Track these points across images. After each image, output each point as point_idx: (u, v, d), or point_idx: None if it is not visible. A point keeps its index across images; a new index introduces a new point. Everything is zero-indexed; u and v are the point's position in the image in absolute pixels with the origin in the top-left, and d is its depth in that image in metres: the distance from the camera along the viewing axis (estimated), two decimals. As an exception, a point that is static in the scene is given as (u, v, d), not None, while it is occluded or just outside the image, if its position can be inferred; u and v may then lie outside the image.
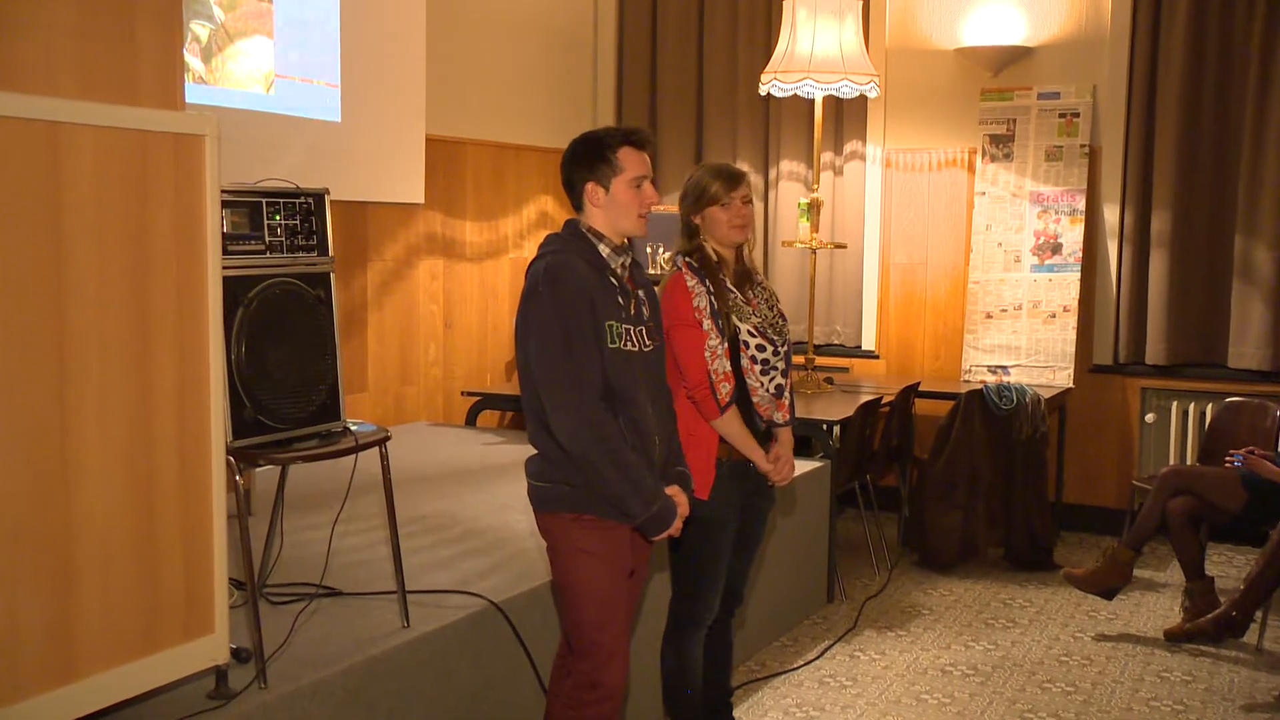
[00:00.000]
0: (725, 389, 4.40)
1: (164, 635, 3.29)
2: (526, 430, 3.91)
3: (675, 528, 3.88)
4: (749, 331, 4.46)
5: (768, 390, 4.51)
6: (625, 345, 3.82)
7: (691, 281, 4.44)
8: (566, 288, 3.74)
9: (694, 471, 4.35)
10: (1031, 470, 7.51)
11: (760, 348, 4.47)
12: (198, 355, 3.33)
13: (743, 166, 4.73)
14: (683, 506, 3.94)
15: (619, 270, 3.90)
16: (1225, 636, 6.17)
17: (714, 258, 4.52)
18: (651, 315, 4.01)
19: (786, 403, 4.60)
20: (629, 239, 3.96)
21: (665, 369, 4.07)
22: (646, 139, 3.93)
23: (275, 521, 4.46)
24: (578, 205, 3.94)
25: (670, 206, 8.87)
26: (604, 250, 3.88)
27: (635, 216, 3.90)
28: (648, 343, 3.93)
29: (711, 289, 4.43)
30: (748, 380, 4.48)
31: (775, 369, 4.51)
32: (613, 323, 3.79)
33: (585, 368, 3.72)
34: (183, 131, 3.23)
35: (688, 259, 4.51)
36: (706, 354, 4.39)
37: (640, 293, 3.98)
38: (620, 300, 3.85)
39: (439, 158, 7.99)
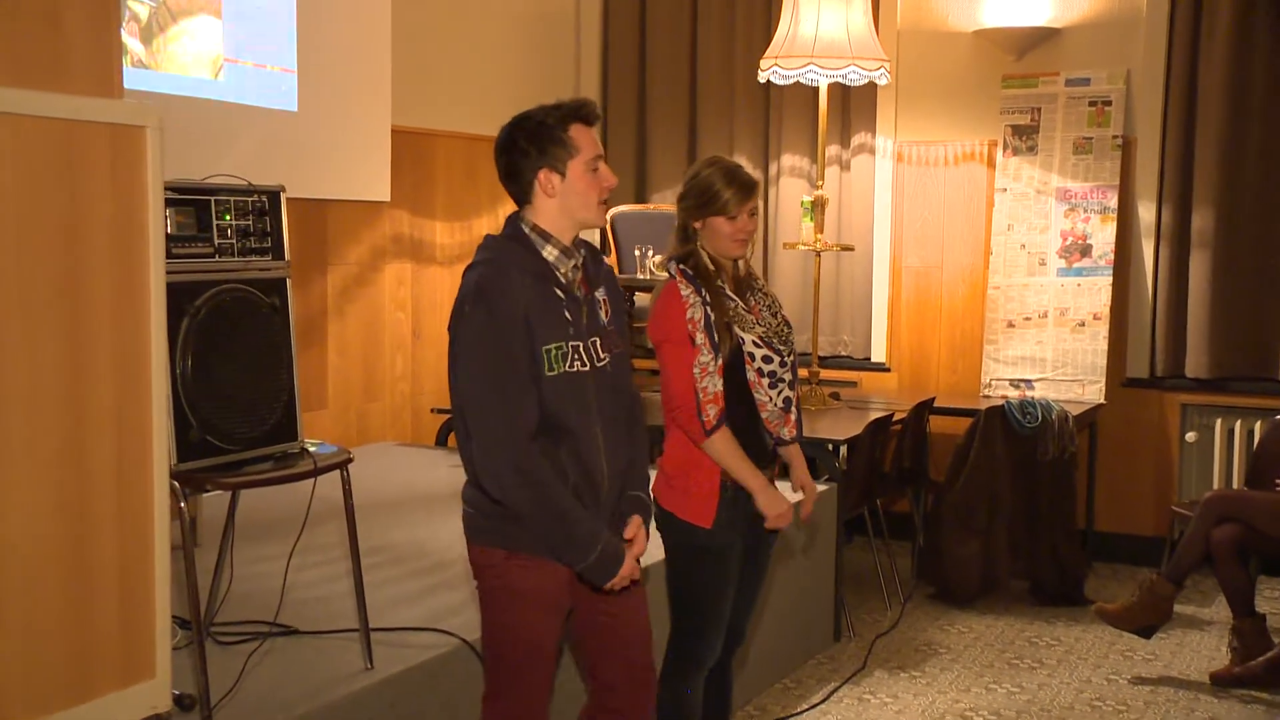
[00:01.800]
0: (712, 411, 4.37)
1: (97, 681, 3.25)
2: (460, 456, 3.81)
3: (625, 573, 3.75)
4: (754, 342, 4.45)
5: (776, 405, 4.50)
6: (572, 366, 3.70)
7: (686, 291, 4.42)
8: (497, 311, 3.61)
9: (696, 497, 4.34)
10: (1059, 495, 7.50)
11: (767, 359, 4.46)
12: (138, 369, 3.29)
13: (740, 161, 4.68)
14: (637, 543, 3.83)
15: (568, 274, 3.77)
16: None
17: (710, 265, 4.49)
18: (613, 317, 3.91)
19: (794, 417, 4.59)
20: (613, 238, 3.91)
21: (628, 378, 3.99)
22: (596, 113, 3.81)
23: (224, 553, 4.45)
24: (523, 199, 3.79)
25: (665, 205, 8.94)
26: (549, 254, 3.75)
27: (595, 203, 3.78)
28: (602, 355, 3.81)
29: (708, 298, 4.41)
30: (755, 395, 4.48)
31: (782, 381, 4.50)
32: (553, 346, 3.66)
33: (514, 404, 3.60)
34: (120, 122, 3.20)
35: (682, 265, 4.49)
36: (695, 371, 4.37)
37: (598, 294, 3.87)
38: (568, 314, 3.73)
39: (406, 151, 7.99)
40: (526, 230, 3.76)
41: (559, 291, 3.72)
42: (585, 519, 3.68)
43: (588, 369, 3.74)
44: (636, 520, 3.86)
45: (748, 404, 4.48)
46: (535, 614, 3.77)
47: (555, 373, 3.66)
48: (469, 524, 3.82)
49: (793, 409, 4.58)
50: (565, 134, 3.73)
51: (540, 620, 3.79)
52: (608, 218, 8.48)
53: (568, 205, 3.75)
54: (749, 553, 4.61)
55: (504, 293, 3.62)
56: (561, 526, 3.64)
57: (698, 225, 4.51)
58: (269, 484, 4.09)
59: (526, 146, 3.75)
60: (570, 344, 3.70)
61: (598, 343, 3.79)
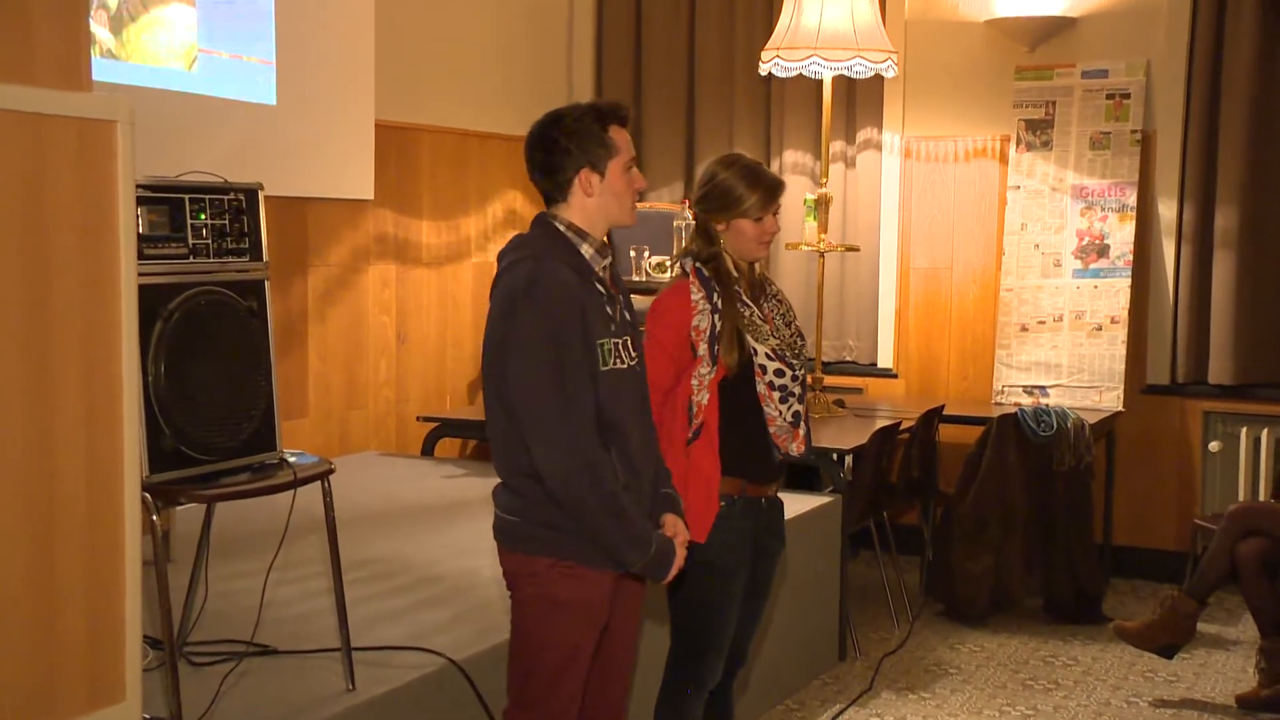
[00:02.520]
0: (697, 423, 4.40)
1: (64, 704, 3.24)
2: (494, 462, 3.85)
3: (680, 559, 3.89)
4: (767, 354, 4.46)
5: (785, 419, 4.51)
6: (619, 363, 3.80)
7: (697, 295, 4.43)
8: (553, 304, 3.67)
9: (691, 511, 4.34)
10: (1075, 507, 7.50)
11: (779, 372, 4.48)
12: (108, 376, 3.28)
13: (752, 158, 4.70)
14: (681, 535, 3.94)
15: (603, 273, 3.86)
16: None
17: (732, 270, 4.51)
18: (633, 323, 3.98)
19: (802, 432, 4.60)
20: (608, 236, 3.92)
21: (647, 383, 4.05)
22: (629, 116, 3.91)
23: (199, 569, 4.44)
24: (558, 197, 3.85)
25: (661, 204, 8.93)
26: (587, 252, 3.82)
27: (630, 204, 3.88)
28: (633, 354, 3.90)
29: (719, 305, 4.41)
30: (765, 409, 4.50)
31: (793, 395, 4.53)
32: (605, 341, 3.75)
33: (579, 398, 3.67)
34: (89, 116, 3.19)
35: (699, 265, 4.49)
36: (694, 381, 4.40)
37: (622, 297, 3.95)
38: (609, 310, 3.82)
39: (390, 147, 7.98)
40: (562, 228, 3.84)
41: (599, 287, 3.82)
42: (640, 516, 3.80)
43: (625, 368, 3.83)
44: (672, 519, 3.97)
45: (756, 418, 4.48)
46: (575, 625, 3.82)
47: (609, 368, 3.75)
48: (506, 530, 3.85)
49: (802, 423, 4.59)
50: (607, 134, 3.82)
51: (579, 632, 3.83)
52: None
53: (605, 205, 3.84)
54: (751, 569, 4.61)
55: (560, 285, 3.71)
56: (621, 525, 3.73)
57: (721, 227, 4.51)
58: (246, 496, 4.08)
59: (567, 145, 3.82)
60: (614, 340, 3.80)
61: (628, 343, 3.88)
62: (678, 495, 4.07)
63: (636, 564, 3.78)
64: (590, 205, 3.82)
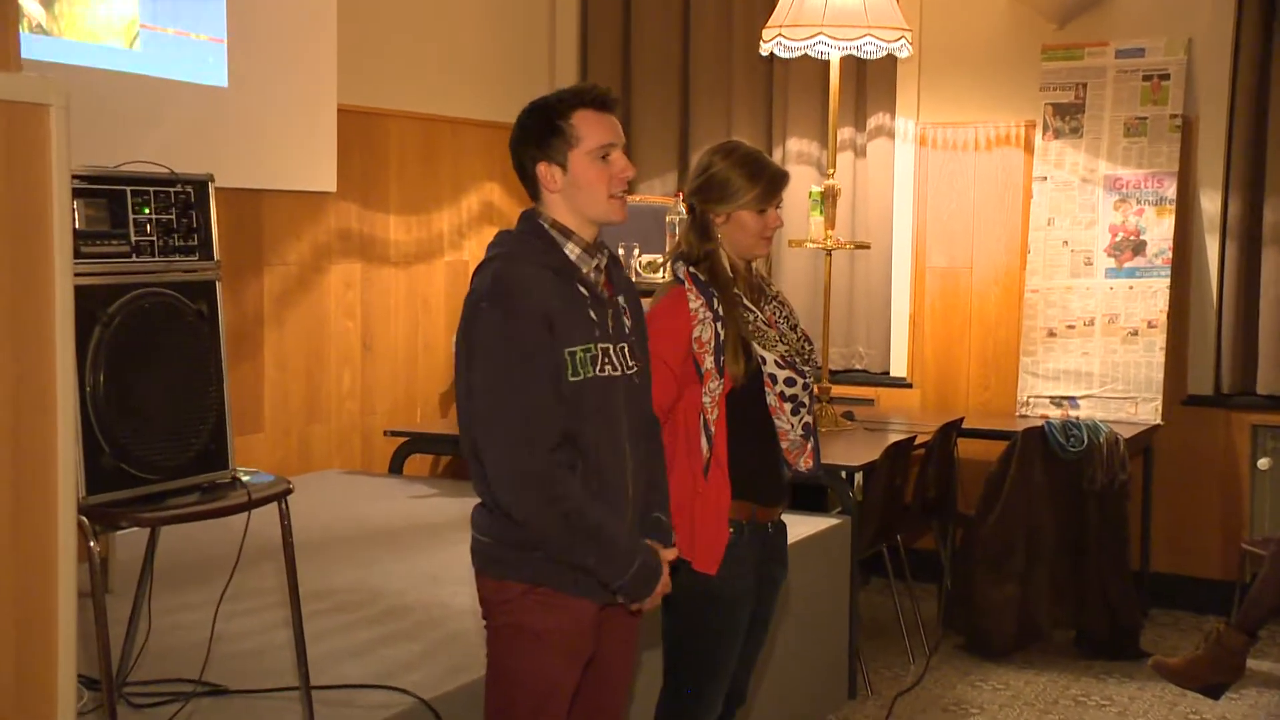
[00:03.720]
0: (708, 448, 4.40)
1: (-7, 750, 3.22)
2: (471, 478, 3.85)
3: (664, 584, 3.87)
4: (776, 362, 4.47)
5: (797, 432, 4.52)
6: (602, 370, 3.79)
7: (696, 303, 4.42)
8: (518, 307, 3.69)
9: (703, 541, 4.35)
10: (1109, 531, 7.49)
11: (790, 381, 4.48)
12: (39, 387, 3.26)
13: (753, 145, 4.69)
14: (665, 562, 3.93)
15: (591, 274, 3.85)
16: None
17: (729, 270, 4.49)
18: (634, 328, 3.98)
19: (812, 445, 4.61)
20: (599, 233, 3.91)
21: (650, 394, 4.04)
22: (608, 98, 3.88)
23: (141, 600, 4.42)
24: (534, 194, 3.89)
25: (653, 197, 8.92)
26: (571, 251, 3.82)
27: (605, 197, 3.84)
28: (631, 363, 3.90)
29: (721, 311, 4.39)
30: (776, 422, 4.51)
31: (804, 406, 4.54)
32: (578, 349, 3.74)
33: (535, 411, 3.67)
34: (17, 99, 3.17)
35: (692, 268, 4.47)
36: (706, 399, 4.39)
37: (621, 299, 3.94)
38: (593, 314, 3.81)
39: (355, 134, 7.98)
40: (545, 225, 3.85)
41: (583, 289, 3.81)
42: (621, 532, 3.80)
43: (619, 374, 3.84)
44: (658, 545, 3.94)
45: (766, 432, 4.48)
46: (553, 658, 3.81)
47: (580, 378, 3.74)
48: (481, 554, 3.86)
49: (811, 436, 4.59)
50: (565, 122, 3.81)
51: (558, 665, 3.83)
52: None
53: (573, 201, 3.83)
54: (756, 596, 4.62)
55: (524, 288, 3.72)
56: (596, 542, 3.72)
57: (719, 220, 4.49)
58: (195, 519, 4.08)
59: (527, 137, 3.85)
60: (600, 346, 3.80)
61: (625, 349, 3.88)
62: (669, 523, 4.04)
63: (616, 580, 3.77)
64: (559, 202, 3.83)
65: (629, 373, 3.87)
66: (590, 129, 3.82)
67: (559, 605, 3.78)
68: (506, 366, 3.67)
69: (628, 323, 3.94)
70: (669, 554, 3.93)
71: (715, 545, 4.42)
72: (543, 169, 3.82)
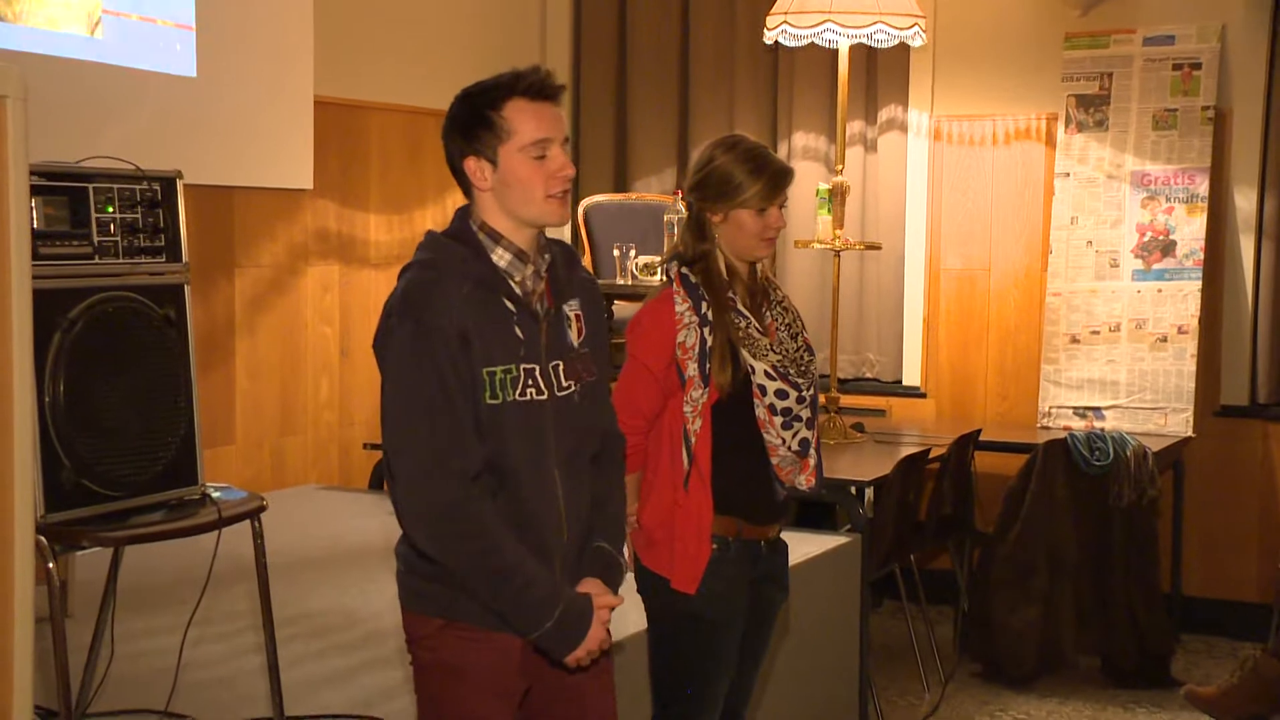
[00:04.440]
0: (688, 459, 4.39)
1: (-57, 786, 3.21)
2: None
3: (593, 642, 3.68)
4: (766, 373, 4.44)
5: (790, 448, 4.49)
6: (524, 394, 3.65)
7: (682, 307, 4.40)
8: (429, 322, 3.56)
9: (682, 557, 4.32)
10: (1137, 550, 7.48)
11: (781, 393, 4.45)
12: (-5, 397, 3.26)
13: (756, 140, 4.67)
14: (601, 609, 3.73)
15: (525, 283, 3.72)
16: None
17: (724, 273, 4.48)
18: (587, 337, 3.84)
19: (812, 462, 4.58)
20: (586, 236, 3.87)
21: (603, 413, 3.91)
22: (548, 85, 3.71)
23: (103, 625, 4.42)
24: (465, 191, 3.76)
25: (649, 195, 8.92)
26: (500, 257, 3.70)
27: (540, 199, 3.68)
28: (565, 383, 3.75)
29: (710, 316, 4.39)
30: (765, 436, 4.48)
31: (799, 420, 4.50)
32: (497, 369, 3.62)
33: (445, 436, 3.55)
34: (-27, 89, 3.17)
35: (684, 270, 4.47)
36: (687, 408, 4.39)
37: (568, 308, 3.81)
38: (519, 331, 3.67)
39: (333, 127, 7.99)
40: (474, 228, 3.72)
41: (509, 303, 3.67)
42: (540, 575, 3.62)
43: (545, 398, 3.69)
44: (595, 583, 3.77)
45: (755, 447, 4.47)
46: (476, 697, 3.71)
47: (498, 401, 3.61)
48: (402, 586, 3.79)
49: (811, 452, 4.57)
50: (495, 113, 3.67)
51: (481, 705, 3.72)
52: (580, 211, 8.48)
53: (505, 201, 3.69)
54: (750, 619, 4.60)
55: (436, 302, 3.58)
56: (508, 585, 3.58)
57: (717, 219, 4.49)
58: (161, 539, 4.08)
59: (452, 127, 3.73)
60: (522, 367, 3.65)
61: (560, 368, 3.73)
62: (617, 554, 3.89)
63: (530, 632, 3.62)
64: (489, 202, 3.70)
65: (562, 393, 3.72)
66: (524, 122, 3.67)
67: (480, 641, 3.67)
68: (415, 387, 3.55)
69: (573, 334, 3.80)
70: (607, 600, 3.74)
71: (694, 562, 4.40)
72: (471, 165, 3.68)
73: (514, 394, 3.62)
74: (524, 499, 3.65)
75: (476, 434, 3.58)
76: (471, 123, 3.68)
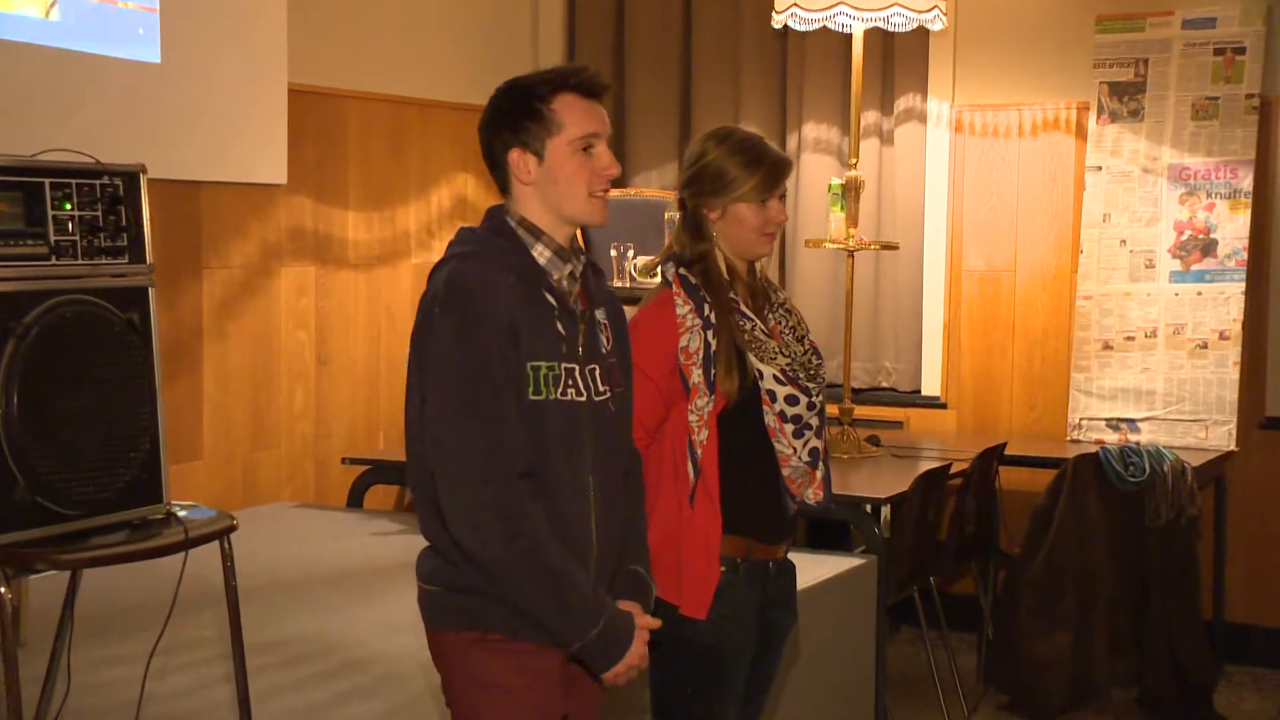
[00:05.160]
0: (694, 473, 4.38)
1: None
2: (417, 515, 3.81)
3: (633, 658, 3.78)
4: (775, 377, 4.45)
5: (801, 459, 4.49)
6: (565, 393, 3.73)
7: (684, 309, 4.41)
8: (477, 312, 3.65)
9: (690, 581, 4.32)
10: (1175, 573, 7.48)
11: (791, 399, 4.45)
12: (-56, 408, 3.26)
13: (751, 130, 4.68)
14: (642, 628, 3.82)
15: (563, 282, 3.82)
16: None
17: (724, 272, 4.48)
18: (615, 346, 3.94)
19: (820, 474, 4.59)
20: (582, 234, 3.89)
21: (630, 427, 4.01)
22: (597, 84, 3.85)
23: (59, 653, 4.41)
24: (503, 187, 3.86)
25: (649, 191, 8.92)
26: (540, 254, 3.80)
27: (584, 195, 3.80)
28: (602, 388, 3.84)
29: (713, 319, 4.39)
30: (776, 446, 4.48)
31: (809, 428, 4.50)
32: (542, 364, 3.70)
33: (497, 430, 3.62)
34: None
35: (682, 270, 4.46)
36: (692, 418, 4.38)
37: (599, 314, 3.90)
38: (561, 328, 3.76)
39: (309, 118, 8.00)
40: (513, 224, 3.82)
41: (551, 298, 3.76)
42: (586, 583, 3.70)
43: (584, 400, 3.77)
44: (633, 606, 3.85)
45: (764, 458, 4.47)
46: (514, 711, 3.76)
47: (541, 398, 3.69)
48: (429, 604, 3.83)
49: (820, 463, 4.57)
50: (545, 106, 3.77)
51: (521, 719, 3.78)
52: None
53: (548, 196, 3.80)
54: (758, 646, 4.60)
55: (485, 291, 3.67)
56: (555, 590, 3.64)
57: (714, 215, 4.49)
58: (123, 561, 4.07)
59: (500, 120, 3.82)
60: (564, 365, 3.74)
61: (596, 372, 3.82)
62: (649, 578, 4.00)
63: (574, 641, 3.69)
64: (532, 197, 3.80)
65: (599, 399, 3.81)
66: (574, 116, 3.78)
67: (518, 654, 3.72)
68: (463, 380, 3.62)
69: (605, 341, 3.90)
70: (647, 622, 3.84)
71: (704, 586, 4.41)
72: (515, 157, 3.78)
73: (555, 392, 3.71)
74: (560, 506, 3.72)
75: (523, 431, 3.66)
76: (519, 114, 3.79)
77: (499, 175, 3.85)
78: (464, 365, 3.63)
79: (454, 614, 3.76)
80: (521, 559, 3.61)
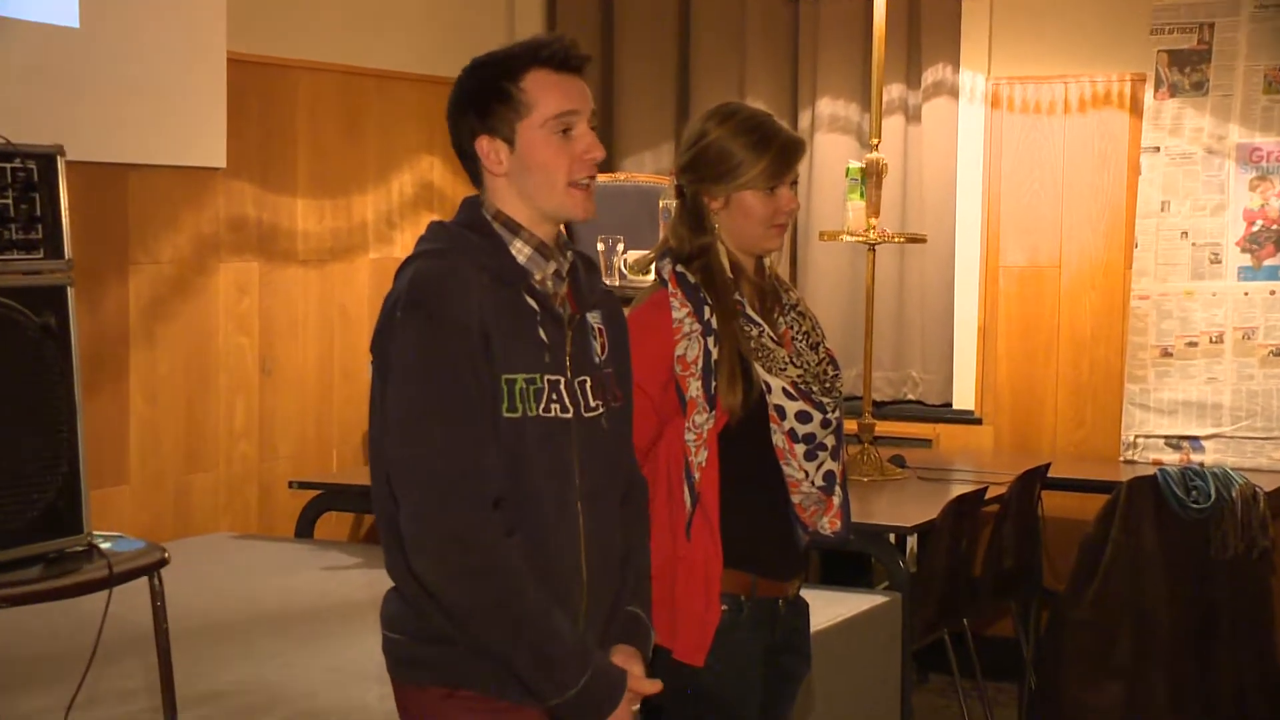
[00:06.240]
0: (691, 499, 4.38)
1: None
2: (383, 548, 3.78)
3: (625, 712, 3.73)
4: (785, 391, 4.45)
5: (814, 482, 4.49)
6: (548, 409, 3.70)
7: (681, 313, 4.42)
8: (444, 315, 3.61)
9: (686, 622, 4.32)
10: (1246, 612, 7.49)
11: (803, 416, 4.46)
12: None
13: (758, 108, 4.68)
14: (636, 680, 3.78)
15: (547, 283, 3.79)
16: None
17: (728, 270, 4.47)
18: (611, 354, 3.91)
19: (837, 501, 4.59)
20: (565, 226, 3.87)
21: (628, 447, 4.00)
22: (573, 54, 3.79)
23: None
24: (475, 179, 3.84)
25: (641, 176, 8.92)
26: (520, 251, 3.77)
27: (563, 186, 3.76)
28: (593, 403, 3.81)
29: (715, 324, 4.38)
30: (785, 469, 4.49)
31: (824, 448, 4.51)
32: (519, 377, 3.67)
33: (464, 450, 3.59)
34: None
35: (680, 267, 4.46)
36: (689, 435, 4.39)
37: (592, 317, 3.88)
38: (544, 335, 3.73)
39: (251, 91, 8.01)
40: (488, 217, 3.79)
41: (532, 302, 3.73)
42: (566, 631, 3.65)
43: (570, 417, 3.74)
44: (630, 654, 3.83)
45: (772, 482, 4.47)
46: None
47: (518, 415, 3.65)
48: (393, 654, 3.80)
49: (836, 489, 4.56)
50: (514, 84, 3.74)
51: None
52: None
53: (523, 186, 3.76)
54: (766, 693, 4.61)
55: (452, 292, 3.63)
56: (529, 638, 3.60)
57: (716, 204, 4.49)
58: (38, 600, 4.07)
59: (464, 104, 3.79)
60: (547, 378, 3.70)
61: (587, 384, 3.80)
62: (649, 621, 3.96)
63: (551, 698, 3.64)
64: (505, 188, 3.77)
65: (590, 414, 3.78)
66: (546, 93, 3.74)
67: (494, 712, 3.70)
68: (427, 392, 3.59)
69: (599, 348, 3.87)
70: (643, 685, 3.79)
71: (702, 627, 4.42)
72: (484, 145, 3.75)
73: (536, 408, 3.68)
74: (544, 539, 3.69)
75: (496, 451, 3.62)
76: (485, 96, 3.75)
77: (470, 166, 3.82)
78: (427, 377, 3.59)
79: (420, 667, 3.73)
80: (491, 600, 3.57)
